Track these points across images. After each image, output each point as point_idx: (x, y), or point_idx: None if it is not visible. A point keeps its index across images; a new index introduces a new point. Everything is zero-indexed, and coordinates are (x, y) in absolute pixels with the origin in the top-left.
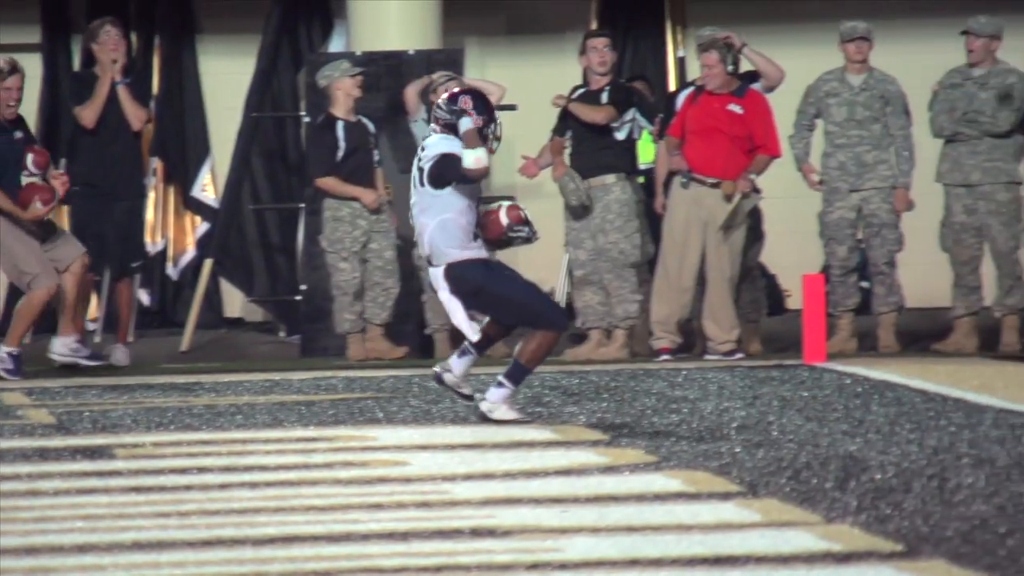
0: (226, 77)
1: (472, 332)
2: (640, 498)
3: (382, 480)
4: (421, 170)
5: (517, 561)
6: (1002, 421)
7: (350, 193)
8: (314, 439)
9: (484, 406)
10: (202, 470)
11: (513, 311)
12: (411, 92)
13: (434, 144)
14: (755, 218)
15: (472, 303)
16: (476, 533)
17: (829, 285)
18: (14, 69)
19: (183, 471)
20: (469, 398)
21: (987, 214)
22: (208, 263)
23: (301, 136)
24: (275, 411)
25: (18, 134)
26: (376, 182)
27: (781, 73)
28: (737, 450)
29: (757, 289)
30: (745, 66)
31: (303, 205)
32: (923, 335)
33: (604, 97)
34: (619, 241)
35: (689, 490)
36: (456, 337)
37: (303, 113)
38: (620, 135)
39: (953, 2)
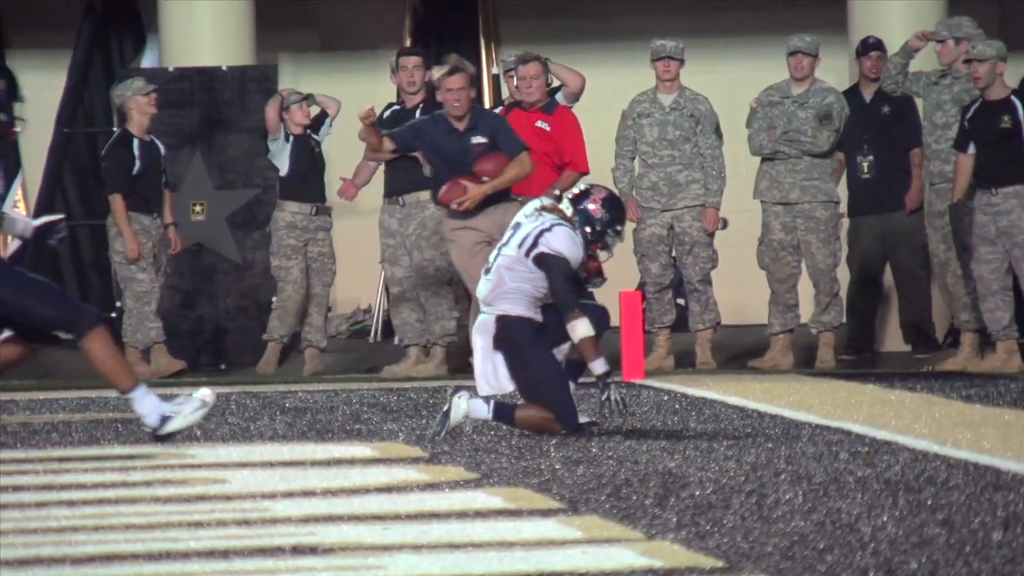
0: (37, 92)
1: (485, 388)
2: (462, 515)
3: (201, 498)
4: (535, 244)
5: None
6: (818, 437)
7: (123, 229)
8: (132, 457)
9: (459, 402)
10: (18, 488)
11: (535, 386)
12: (271, 112)
13: (557, 235)
14: None
15: (506, 358)
16: (297, 551)
17: (645, 302)
18: (455, 69)
19: None
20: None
21: (806, 231)
22: None
23: None
24: (92, 429)
25: (478, 139)
26: (164, 205)
27: (581, 79)
28: (557, 467)
29: None
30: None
31: None
32: (740, 352)
33: (418, 115)
34: (435, 258)
35: (510, 507)
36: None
37: (115, 129)
38: None
39: (764, 22)
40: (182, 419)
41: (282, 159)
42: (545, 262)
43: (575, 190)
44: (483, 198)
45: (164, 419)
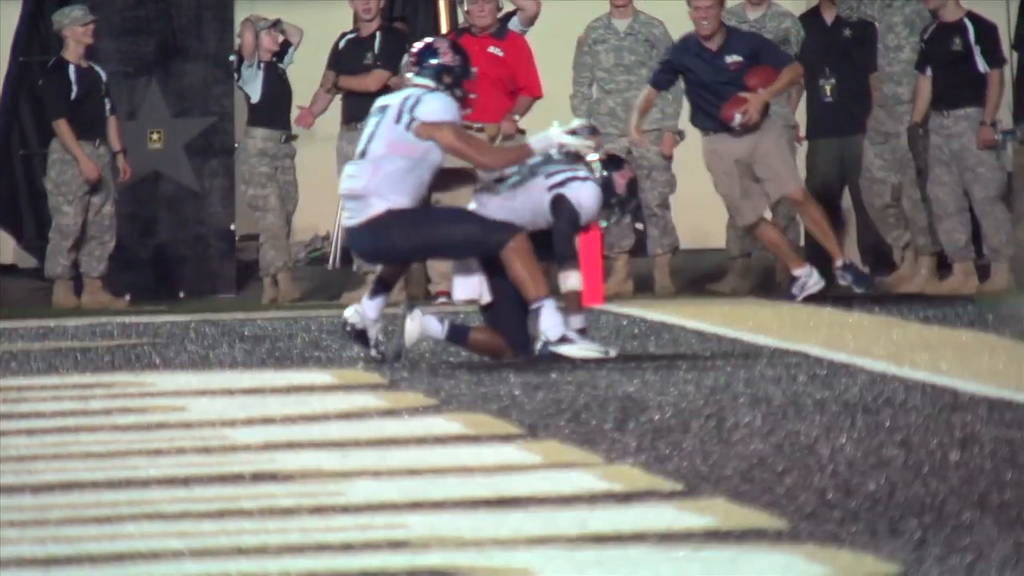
0: None
1: (459, 293)
2: (421, 441)
3: (161, 426)
4: (562, 184)
5: (299, 505)
6: (777, 361)
7: (75, 152)
8: (91, 385)
9: (411, 324)
10: None
11: (498, 308)
12: (249, 37)
13: (588, 189)
14: None
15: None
16: (257, 478)
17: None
18: None
19: None
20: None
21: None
22: None
23: None
24: (50, 358)
25: (733, 58)
26: (109, 130)
27: (537, 4)
28: (516, 392)
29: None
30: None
31: None
32: (699, 276)
33: (376, 45)
34: None
35: (470, 432)
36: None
37: None
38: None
39: None
40: (579, 349)
41: (254, 86)
42: (560, 207)
43: (609, 152)
44: (764, 108)
45: (564, 339)
